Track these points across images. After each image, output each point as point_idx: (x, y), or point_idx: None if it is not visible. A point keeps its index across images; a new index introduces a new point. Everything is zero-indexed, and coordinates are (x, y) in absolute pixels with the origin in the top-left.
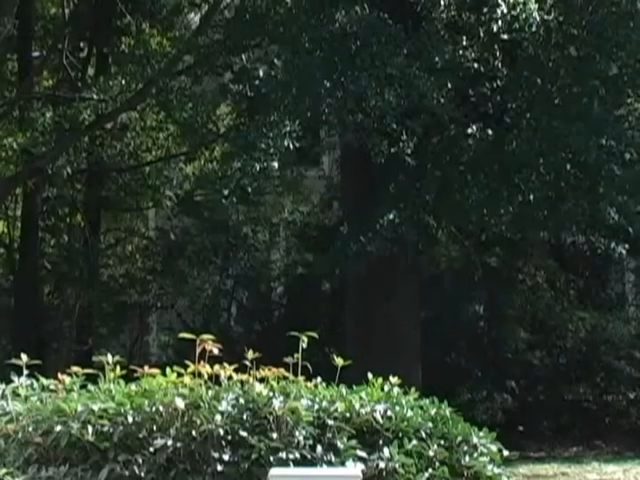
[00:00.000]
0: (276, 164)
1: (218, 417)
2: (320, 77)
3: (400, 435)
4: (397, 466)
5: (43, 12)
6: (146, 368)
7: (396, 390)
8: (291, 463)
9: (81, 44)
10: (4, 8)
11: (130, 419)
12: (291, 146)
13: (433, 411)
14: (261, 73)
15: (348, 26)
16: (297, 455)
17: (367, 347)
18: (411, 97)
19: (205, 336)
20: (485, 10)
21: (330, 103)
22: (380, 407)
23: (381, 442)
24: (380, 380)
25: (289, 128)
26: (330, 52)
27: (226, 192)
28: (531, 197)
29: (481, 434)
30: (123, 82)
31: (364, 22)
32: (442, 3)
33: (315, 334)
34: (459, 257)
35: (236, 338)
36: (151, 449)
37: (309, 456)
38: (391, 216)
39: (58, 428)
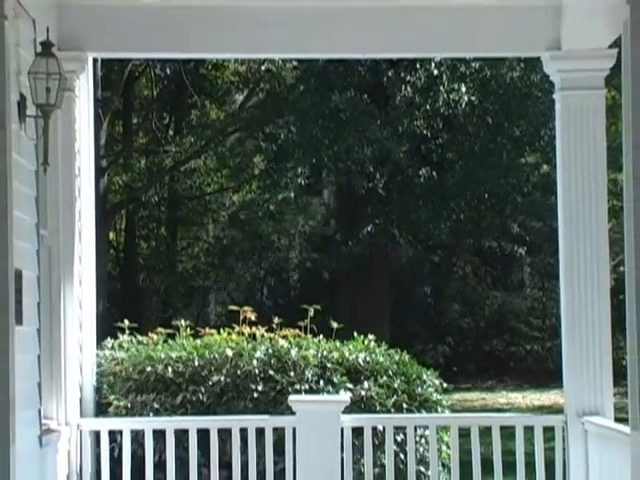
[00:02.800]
0: (292, 195)
1: (254, 362)
2: (321, 138)
3: (375, 373)
4: (373, 394)
5: (139, 93)
6: (207, 329)
7: (372, 344)
8: (303, 392)
9: (164, 114)
10: (113, 91)
11: (196, 363)
12: (302, 183)
13: (397, 357)
14: (282, 136)
15: (340, 104)
16: (307, 387)
17: (353, 316)
18: (382, 151)
19: (246, 308)
20: (431, 93)
21: (328, 155)
22: (362, 355)
23: (362, 378)
24: (362, 337)
25: (300, 171)
26: (328, 121)
27: (260, 213)
28: (462, 216)
29: (429, 373)
30: (192, 140)
31: (351, 101)
32: (403, 88)
33: (319, 307)
34: (414, 256)
35: (266, 310)
36: (210, 383)
37: (315, 387)
38: (369, 229)
39: (149, 369)
